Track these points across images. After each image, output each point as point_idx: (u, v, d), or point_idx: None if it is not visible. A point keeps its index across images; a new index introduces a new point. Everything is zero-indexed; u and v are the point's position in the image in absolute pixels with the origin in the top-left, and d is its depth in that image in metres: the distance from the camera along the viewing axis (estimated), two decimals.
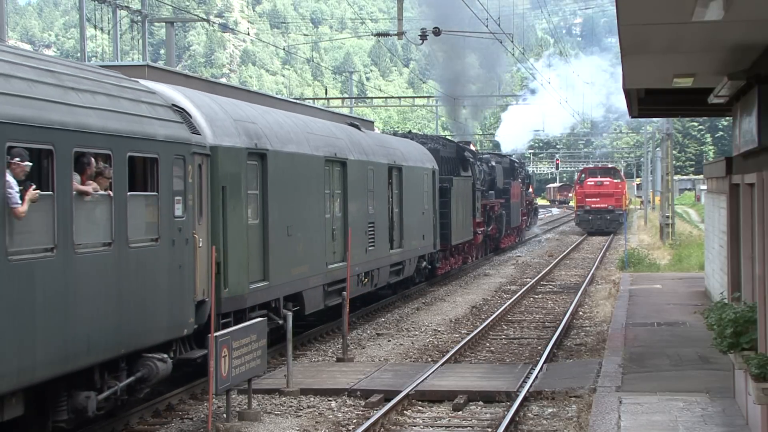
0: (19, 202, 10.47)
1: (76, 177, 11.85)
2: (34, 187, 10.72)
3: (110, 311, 12.35)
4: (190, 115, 15.55)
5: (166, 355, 13.73)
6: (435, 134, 47.70)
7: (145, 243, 13.36)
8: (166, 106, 14.69)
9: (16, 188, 10.43)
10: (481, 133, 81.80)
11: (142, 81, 14.91)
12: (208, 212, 15.61)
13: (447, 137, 45.17)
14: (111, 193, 12.43)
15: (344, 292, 20.07)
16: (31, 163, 10.79)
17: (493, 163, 47.35)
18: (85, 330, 11.79)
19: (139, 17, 32.14)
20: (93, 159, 12.14)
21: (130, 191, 12.95)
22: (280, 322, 17.99)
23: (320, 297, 20.81)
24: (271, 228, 17.97)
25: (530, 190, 65.78)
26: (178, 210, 14.27)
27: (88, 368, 12.10)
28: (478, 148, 58.21)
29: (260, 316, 16.51)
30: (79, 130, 11.73)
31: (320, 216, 20.95)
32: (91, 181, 12.13)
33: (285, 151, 18.91)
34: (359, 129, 26.83)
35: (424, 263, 31.04)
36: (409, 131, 42.78)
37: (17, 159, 10.54)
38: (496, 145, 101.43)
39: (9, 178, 10.35)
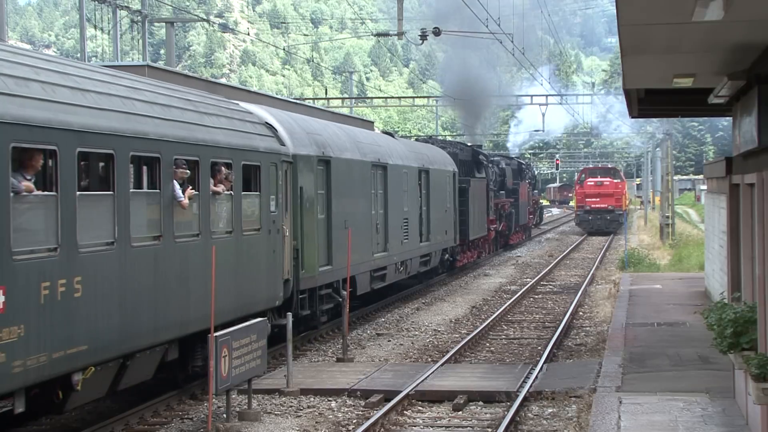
0: (183, 196, 14.11)
1: (211, 181, 15.33)
2: (191, 187, 14.47)
3: (231, 284, 15.89)
4: (276, 130, 19.05)
5: (266, 319, 16.41)
6: (434, 135, 48.67)
7: (252, 232, 16.90)
8: (261, 123, 18.45)
9: (179, 188, 14.05)
10: (480, 133, 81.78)
11: (241, 103, 18.63)
12: (290, 208, 19.18)
13: (463, 142, 47.82)
14: (232, 192, 16.00)
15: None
16: (189, 171, 14.44)
17: (503, 165, 50.23)
18: (218, 298, 14.77)
19: (139, 17, 32.10)
20: (222, 167, 15.64)
21: (243, 191, 16.50)
22: (340, 299, 21.49)
23: (368, 281, 24.42)
24: (333, 222, 21.65)
25: (536, 190, 67.98)
26: (273, 206, 17.89)
27: (215, 328, 14.55)
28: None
29: (327, 294, 21.19)
30: (214, 145, 15.41)
31: (368, 212, 24.55)
32: (220, 184, 15.61)
33: (343, 157, 22.60)
34: (393, 137, 30.99)
35: (446, 255, 34.45)
36: (430, 136, 45.78)
37: (182, 167, 14.24)
38: (497, 145, 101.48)
39: (175, 183, 14.01)
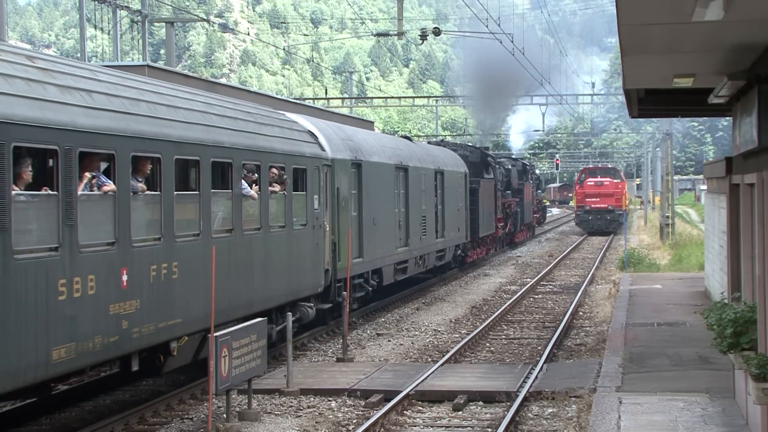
0: (251, 191, 16.76)
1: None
2: (257, 187, 17.02)
3: (284, 272, 18.36)
4: (317, 137, 21.34)
5: (312, 304, 20.01)
6: (436, 135, 49.19)
7: (299, 227, 19.37)
8: (305, 131, 20.87)
9: (247, 187, 16.69)
10: (480, 132, 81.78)
11: (287, 114, 21.04)
12: (329, 206, 21.46)
13: (471, 144, 49.92)
14: (285, 192, 18.44)
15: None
16: (257, 175, 17.05)
17: (509, 166, 52.36)
18: (275, 283, 17.86)
19: (139, 17, 32.06)
20: (277, 170, 18.15)
21: (293, 191, 18.98)
22: (369, 288, 24.65)
23: (392, 273, 26.83)
24: (364, 219, 24.02)
25: (539, 190, 68.89)
26: (316, 204, 20.36)
27: (270, 309, 17.76)
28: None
29: (359, 284, 23.69)
30: (271, 152, 17.94)
31: (392, 210, 26.95)
32: (275, 184, 18.05)
33: (372, 161, 24.96)
34: (411, 141, 33.75)
35: (459, 251, 37.03)
36: (442, 140, 48.44)
37: (249, 171, 16.87)
38: (496, 145, 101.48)
39: (243, 182, 16.54)
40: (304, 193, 19.64)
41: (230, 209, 16.14)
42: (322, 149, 21.19)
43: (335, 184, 21.79)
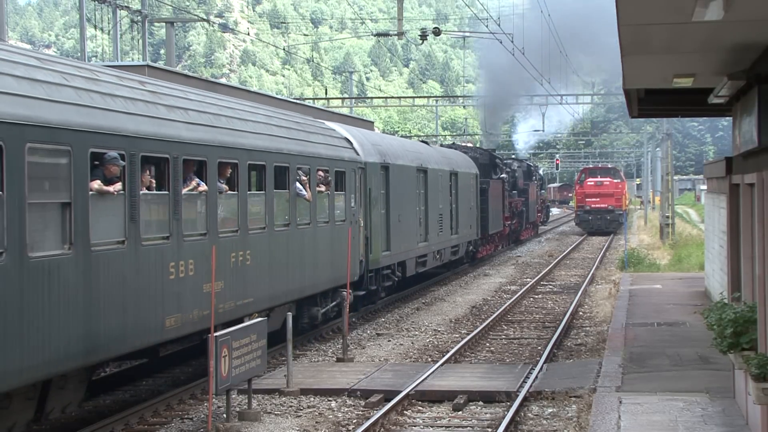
0: (305, 192, 19.46)
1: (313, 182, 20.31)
2: (309, 186, 19.70)
3: (328, 261, 20.95)
4: (352, 143, 23.88)
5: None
6: (435, 135, 49.94)
7: (340, 222, 22.00)
8: (342, 138, 23.50)
9: (301, 187, 19.32)
10: (480, 132, 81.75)
11: (326, 122, 23.55)
12: (363, 204, 24.01)
13: (481, 147, 52.28)
14: (329, 192, 21.08)
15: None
16: (306, 176, 19.59)
17: (515, 167, 54.63)
18: (321, 270, 20.54)
19: (139, 17, 32.04)
20: (323, 173, 20.76)
21: (335, 191, 21.68)
22: (395, 279, 27.26)
23: (414, 265, 29.37)
24: (391, 216, 26.63)
25: (543, 190, 71.85)
26: (353, 203, 23.00)
27: (315, 295, 20.61)
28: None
29: (386, 275, 26.39)
30: (318, 157, 20.57)
31: (413, 209, 29.48)
32: (321, 184, 20.54)
33: (397, 163, 27.49)
34: (428, 144, 36.63)
35: (470, 247, 39.56)
36: (453, 143, 50.76)
37: (301, 173, 19.40)
38: (497, 146, 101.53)
39: (297, 183, 19.11)
40: (343, 192, 22.29)
41: (287, 206, 18.73)
42: (357, 154, 23.72)
43: (368, 185, 24.36)
